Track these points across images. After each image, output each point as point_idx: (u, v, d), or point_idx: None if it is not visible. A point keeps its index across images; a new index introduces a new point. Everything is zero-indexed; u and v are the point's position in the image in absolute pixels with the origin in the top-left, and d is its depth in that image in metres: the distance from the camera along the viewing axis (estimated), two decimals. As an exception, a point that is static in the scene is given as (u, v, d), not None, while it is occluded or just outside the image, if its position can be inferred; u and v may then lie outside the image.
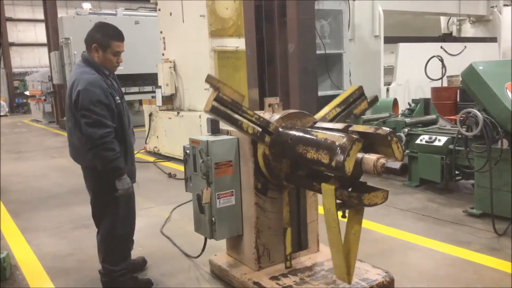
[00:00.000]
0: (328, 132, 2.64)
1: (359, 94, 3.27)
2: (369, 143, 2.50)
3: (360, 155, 2.40)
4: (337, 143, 2.45)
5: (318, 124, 3.00)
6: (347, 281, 2.67)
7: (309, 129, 2.88)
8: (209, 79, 2.79)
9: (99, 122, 2.97)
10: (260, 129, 2.94)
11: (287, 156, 2.95)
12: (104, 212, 3.29)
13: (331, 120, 3.15)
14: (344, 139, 2.43)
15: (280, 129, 2.96)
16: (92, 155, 3.03)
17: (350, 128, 2.62)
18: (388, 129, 2.48)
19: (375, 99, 3.37)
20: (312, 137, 2.68)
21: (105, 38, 3.12)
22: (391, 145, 2.40)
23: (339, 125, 2.76)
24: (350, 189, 2.51)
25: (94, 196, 3.32)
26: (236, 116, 2.87)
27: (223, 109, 2.82)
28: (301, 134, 2.82)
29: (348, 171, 2.38)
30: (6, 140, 11.95)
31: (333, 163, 2.45)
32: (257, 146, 3.04)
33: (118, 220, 3.27)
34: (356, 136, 2.45)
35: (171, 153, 8.45)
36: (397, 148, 2.42)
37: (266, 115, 3.18)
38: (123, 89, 3.41)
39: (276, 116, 3.03)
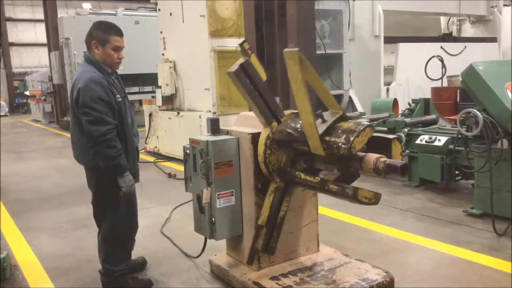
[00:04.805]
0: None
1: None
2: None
3: (361, 154, 2.40)
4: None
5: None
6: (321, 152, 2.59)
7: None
8: (243, 45, 2.70)
9: (100, 119, 2.97)
10: (270, 113, 2.90)
11: (288, 147, 2.92)
12: (105, 212, 3.29)
13: None
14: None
15: (289, 122, 2.92)
16: (94, 152, 3.03)
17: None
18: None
19: None
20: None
21: (104, 33, 3.15)
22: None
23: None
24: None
25: (96, 195, 3.33)
26: (254, 89, 2.82)
27: (245, 77, 2.76)
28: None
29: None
30: (6, 140, 11.94)
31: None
32: (260, 136, 3.00)
33: (119, 220, 3.27)
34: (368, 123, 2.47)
35: (171, 153, 8.45)
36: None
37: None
38: (123, 89, 3.41)
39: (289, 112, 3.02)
